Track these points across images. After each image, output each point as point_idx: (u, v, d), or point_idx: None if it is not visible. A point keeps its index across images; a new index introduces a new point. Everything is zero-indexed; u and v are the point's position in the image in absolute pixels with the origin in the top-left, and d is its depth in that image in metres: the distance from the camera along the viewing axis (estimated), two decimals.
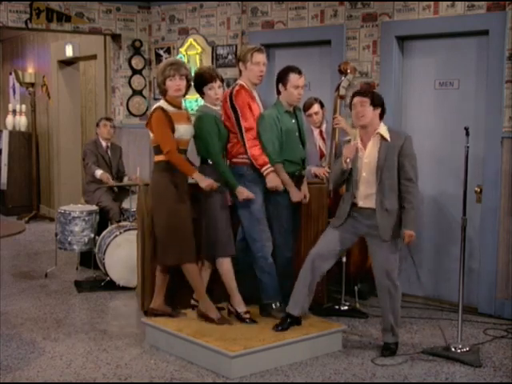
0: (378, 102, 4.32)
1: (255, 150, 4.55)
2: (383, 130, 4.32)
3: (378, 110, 4.33)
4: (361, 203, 4.35)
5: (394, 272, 4.34)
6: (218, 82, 4.62)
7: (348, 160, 4.27)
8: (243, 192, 4.55)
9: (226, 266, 4.62)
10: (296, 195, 4.65)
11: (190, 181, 4.65)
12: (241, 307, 4.62)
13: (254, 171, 4.62)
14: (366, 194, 4.33)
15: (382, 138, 4.30)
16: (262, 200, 4.65)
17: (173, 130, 4.50)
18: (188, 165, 4.56)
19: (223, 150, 4.66)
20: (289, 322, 4.46)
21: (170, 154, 4.47)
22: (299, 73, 4.65)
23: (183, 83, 4.57)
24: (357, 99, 4.31)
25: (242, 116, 4.57)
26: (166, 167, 4.56)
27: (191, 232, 4.59)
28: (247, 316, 4.59)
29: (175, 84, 4.54)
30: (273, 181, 4.55)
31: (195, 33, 6.97)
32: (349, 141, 4.38)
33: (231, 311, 4.67)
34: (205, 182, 4.48)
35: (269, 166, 4.54)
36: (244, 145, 4.58)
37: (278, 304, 4.66)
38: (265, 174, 4.54)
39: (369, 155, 4.32)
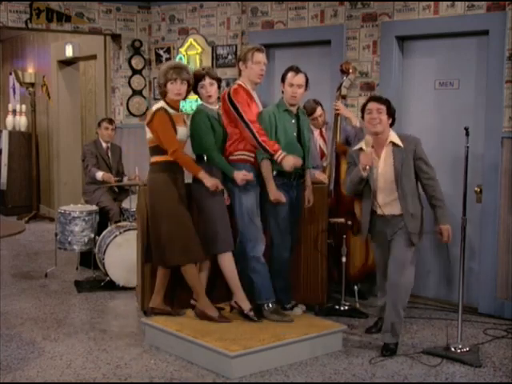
0: (392, 112, 4.36)
1: (265, 137, 4.51)
2: (394, 137, 4.33)
3: (390, 120, 4.36)
4: (379, 211, 4.36)
5: (410, 270, 4.34)
6: (208, 80, 4.64)
7: (367, 167, 4.25)
8: (239, 175, 4.51)
9: (227, 261, 4.60)
10: (273, 194, 4.61)
11: (187, 181, 4.69)
12: (244, 304, 4.61)
13: (250, 169, 4.63)
14: (385, 202, 4.34)
15: (394, 145, 4.31)
16: (256, 199, 4.64)
17: (175, 130, 4.54)
18: (194, 164, 4.56)
19: (219, 149, 4.65)
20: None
21: (177, 154, 4.50)
22: (296, 71, 4.66)
23: (184, 87, 4.60)
24: (373, 105, 4.31)
25: (243, 110, 4.54)
26: (163, 168, 4.58)
27: (193, 230, 4.58)
28: (252, 313, 4.58)
29: (176, 88, 4.57)
30: (289, 163, 4.48)
31: (195, 33, 6.97)
32: (360, 149, 4.36)
33: (234, 307, 4.66)
34: (210, 182, 4.49)
35: (281, 151, 4.50)
36: (254, 137, 4.51)
37: (270, 305, 4.64)
38: (279, 159, 4.48)
39: (382, 165, 4.32)
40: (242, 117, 4.55)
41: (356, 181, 4.36)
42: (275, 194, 4.62)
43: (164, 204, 4.56)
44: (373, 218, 4.42)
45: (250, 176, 4.54)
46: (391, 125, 4.39)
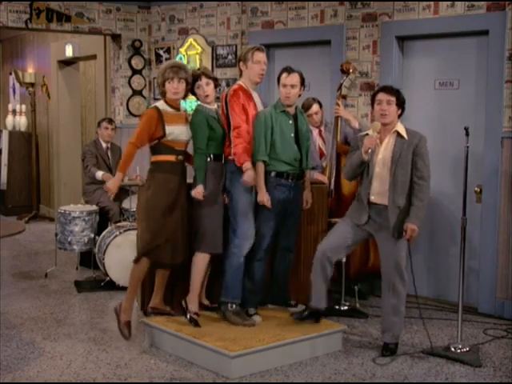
0: (402, 102, 4.37)
1: (238, 148, 4.52)
2: (401, 128, 4.34)
3: (400, 111, 4.37)
4: (373, 198, 4.35)
5: (402, 267, 4.33)
6: (205, 80, 4.64)
7: (370, 151, 4.26)
8: (198, 191, 4.52)
9: (200, 262, 4.59)
10: (261, 195, 4.57)
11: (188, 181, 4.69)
12: (193, 306, 4.60)
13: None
14: (379, 191, 4.33)
15: (399, 135, 4.32)
16: (252, 198, 4.62)
17: (163, 131, 4.54)
18: (126, 164, 4.63)
19: (217, 148, 4.65)
20: (308, 313, 4.49)
21: (130, 145, 4.58)
22: (288, 72, 4.65)
23: (181, 86, 4.60)
24: (383, 96, 4.32)
25: (231, 115, 4.57)
26: (162, 167, 4.59)
27: (178, 234, 4.57)
28: (195, 317, 4.53)
29: (173, 87, 4.58)
30: (248, 178, 4.49)
31: (195, 33, 6.97)
32: (366, 134, 4.38)
33: (183, 307, 4.61)
34: (111, 183, 4.69)
35: (248, 164, 4.51)
36: (230, 143, 4.58)
37: (234, 306, 4.59)
38: (244, 170, 4.49)
39: (383, 151, 4.33)
40: (229, 121, 4.59)
41: (356, 164, 4.36)
42: (263, 196, 4.56)
43: (157, 203, 4.56)
44: (364, 204, 4.39)
45: (201, 196, 4.51)
46: (400, 115, 4.39)
